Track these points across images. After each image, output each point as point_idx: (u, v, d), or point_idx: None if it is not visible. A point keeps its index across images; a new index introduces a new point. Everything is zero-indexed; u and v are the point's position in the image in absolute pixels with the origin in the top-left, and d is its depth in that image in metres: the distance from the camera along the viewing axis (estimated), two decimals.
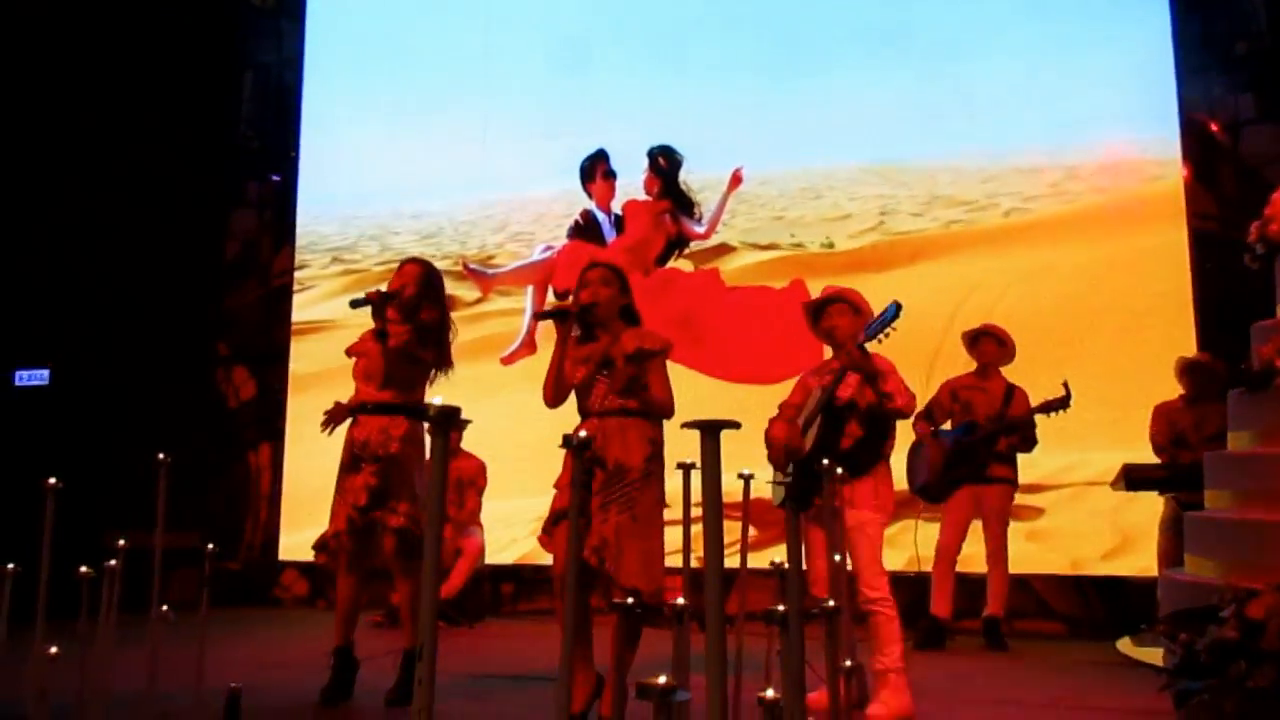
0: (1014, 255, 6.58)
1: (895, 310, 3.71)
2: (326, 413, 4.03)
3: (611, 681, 3.36)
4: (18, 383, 7.25)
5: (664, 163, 5.97)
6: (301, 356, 7.84)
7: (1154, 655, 2.65)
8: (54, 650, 2.17)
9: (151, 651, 2.41)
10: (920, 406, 4.82)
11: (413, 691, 1.33)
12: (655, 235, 5.83)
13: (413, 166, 7.85)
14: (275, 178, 8.24)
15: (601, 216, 5.99)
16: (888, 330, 3.72)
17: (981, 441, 5.41)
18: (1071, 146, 6.64)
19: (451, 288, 7.25)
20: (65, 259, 7.60)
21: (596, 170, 6.13)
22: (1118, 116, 6.57)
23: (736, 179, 5.86)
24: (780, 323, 5.63)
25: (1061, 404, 5.29)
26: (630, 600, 3.27)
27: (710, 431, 1.29)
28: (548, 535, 3.56)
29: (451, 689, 4.12)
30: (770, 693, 1.59)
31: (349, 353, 4.17)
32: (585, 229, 6.17)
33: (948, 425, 5.58)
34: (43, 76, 7.59)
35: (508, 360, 6.59)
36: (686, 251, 6.01)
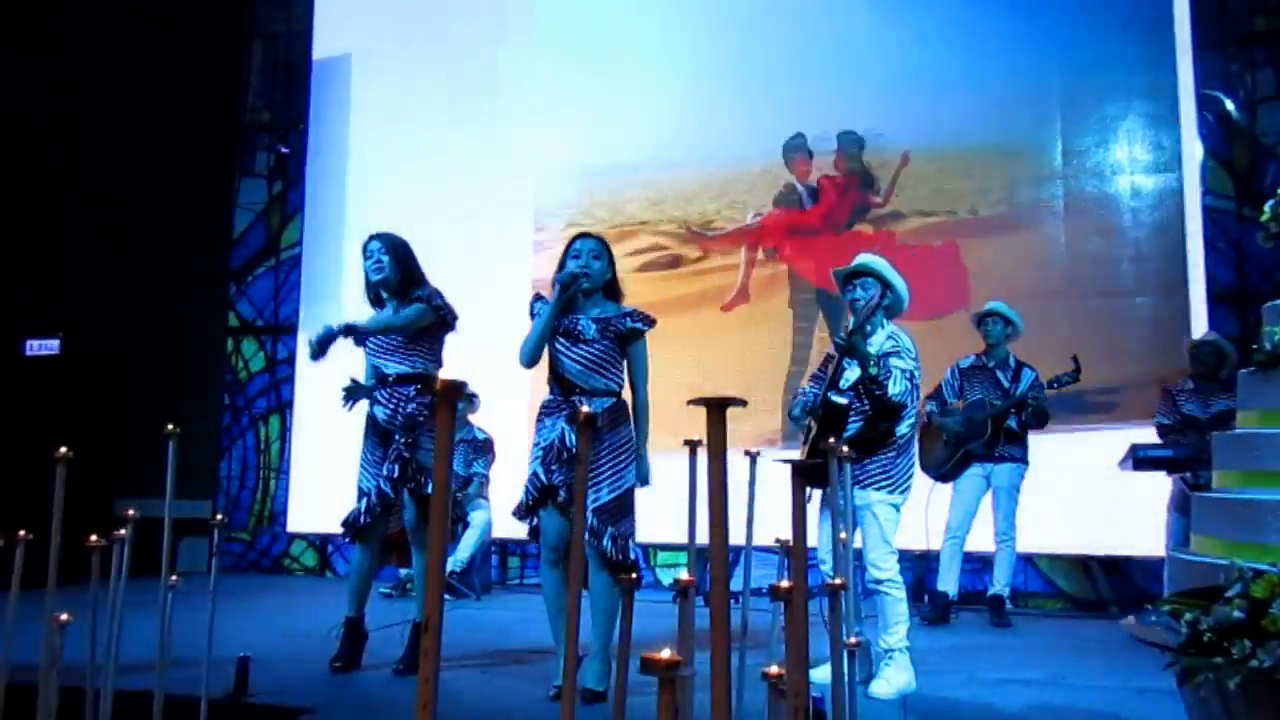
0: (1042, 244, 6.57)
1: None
2: (346, 389, 4.04)
3: (620, 656, 3.39)
4: (28, 352, 7.28)
5: (849, 145, 7.22)
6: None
7: (1159, 634, 2.65)
8: (65, 617, 2.18)
9: (162, 619, 2.43)
10: (929, 389, 4.83)
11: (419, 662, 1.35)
12: (843, 204, 7.16)
13: (428, 151, 7.74)
14: (284, 149, 8.22)
15: (801, 188, 7.25)
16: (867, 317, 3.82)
17: (991, 419, 5.41)
18: (1084, 124, 6.59)
19: (678, 248, 7.42)
20: (75, 229, 7.62)
21: (798, 151, 7.31)
22: (1132, 91, 6.51)
23: (905, 160, 7.03)
24: (935, 273, 6.68)
25: (1071, 378, 5.29)
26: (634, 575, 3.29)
27: (716, 408, 1.29)
28: (533, 502, 3.59)
29: (458, 660, 4.16)
30: (774, 668, 1.60)
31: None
32: (789, 198, 7.30)
33: (958, 404, 5.58)
34: (53, 46, 7.58)
35: (728, 307, 7.27)
36: (868, 217, 7.12)
